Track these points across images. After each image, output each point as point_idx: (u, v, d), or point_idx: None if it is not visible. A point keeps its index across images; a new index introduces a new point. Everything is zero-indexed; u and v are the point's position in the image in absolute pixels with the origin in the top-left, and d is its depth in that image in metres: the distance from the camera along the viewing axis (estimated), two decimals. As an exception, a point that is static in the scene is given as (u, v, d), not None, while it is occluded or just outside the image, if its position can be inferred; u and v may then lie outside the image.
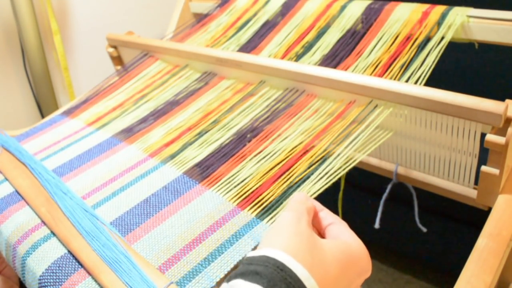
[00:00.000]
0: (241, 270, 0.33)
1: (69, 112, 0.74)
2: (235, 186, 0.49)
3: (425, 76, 0.56)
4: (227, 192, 0.49)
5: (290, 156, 0.51)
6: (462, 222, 1.06)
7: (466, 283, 0.40)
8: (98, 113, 0.71)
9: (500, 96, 0.47)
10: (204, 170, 0.53)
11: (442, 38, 0.60)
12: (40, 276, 0.43)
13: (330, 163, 0.48)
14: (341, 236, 0.38)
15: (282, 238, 0.35)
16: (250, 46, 0.75)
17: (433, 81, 0.55)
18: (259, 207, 0.46)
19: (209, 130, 0.59)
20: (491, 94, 0.47)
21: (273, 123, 0.57)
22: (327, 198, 0.47)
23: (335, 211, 0.49)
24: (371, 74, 0.59)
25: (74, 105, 0.76)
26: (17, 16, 1.12)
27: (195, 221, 0.46)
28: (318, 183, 0.47)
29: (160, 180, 0.53)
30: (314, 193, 0.46)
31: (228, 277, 0.34)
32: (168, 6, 1.47)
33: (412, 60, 0.58)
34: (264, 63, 0.62)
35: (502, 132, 0.45)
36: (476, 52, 0.63)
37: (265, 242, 0.35)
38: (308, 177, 0.48)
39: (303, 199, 0.40)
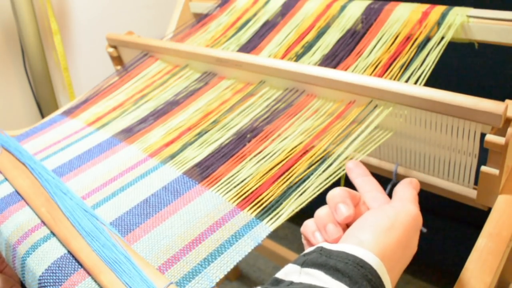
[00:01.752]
0: (319, 261, 0.32)
1: (69, 112, 0.74)
2: (235, 186, 0.49)
3: (425, 76, 0.55)
4: (227, 192, 0.49)
5: (290, 156, 0.51)
6: (462, 222, 1.06)
7: (466, 283, 0.40)
8: (98, 113, 0.71)
9: (500, 96, 0.47)
10: (204, 170, 0.53)
11: (442, 38, 0.60)
12: (40, 276, 0.43)
13: (330, 163, 0.48)
14: (387, 206, 0.37)
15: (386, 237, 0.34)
16: (250, 46, 0.75)
17: (433, 81, 0.55)
18: (259, 207, 0.46)
19: (209, 130, 0.59)
20: (491, 94, 0.47)
21: (273, 123, 0.57)
22: (327, 198, 0.47)
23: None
24: (371, 74, 0.59)
25: (74, 105, 0.76)
26: (17, 16, 1.12)
27: (195, 221, 0.46)
28: (318, 183, 0.47)
29: (160, 180, 0.53)
30: (314, 193, 0.46)
31: (300, 261, 0.33)
32: (168, 6, 1.47)
33: (412, 60, 0.58)
34: (264, 63, 0.62)
35: (502, 132, 0.45)
36: (476, 52, 0.63)
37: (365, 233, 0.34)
38: (308, 177, 0.48)
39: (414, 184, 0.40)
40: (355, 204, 0.38)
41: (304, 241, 0.40)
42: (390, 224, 0.34)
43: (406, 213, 0.36)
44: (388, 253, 0.33)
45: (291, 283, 0.31)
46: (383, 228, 0.34)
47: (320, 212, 0.38)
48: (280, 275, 0.33)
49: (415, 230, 0.36)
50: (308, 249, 0.36)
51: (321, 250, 0.34)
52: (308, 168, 0.49)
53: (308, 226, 0.38)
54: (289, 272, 0.33)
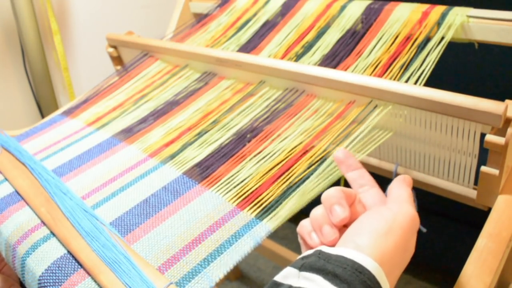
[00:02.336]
0: (318, 265, 0.32)
1: (69, 112, 0.74)
2: (234, 187, 0.49)
3: (425, 76, 0.55)
4: (227, 193, 0.49)
5: (289, 156, 0.51)
6: (462, 222, 1.06)
7: (466, 283, 0.40)
8: (98, 113, 0.71)
9: (500, 96, 0.47)
10: (204, 170, 0.53)
11: (442, 38, 0.60)
12: (40, 276, 0.43)
13: (330, 163, 0.48)
14: (383, 207, 0.37)
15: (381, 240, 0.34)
16: (250, 46, 0.75)
17: (433, 81, 0.55)
18: (258, 207, 0.46)
19: (209, 130, 0.59)
20: (491, 94, 0.47)
21: (273, 123, 0.57)
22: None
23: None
24: (371, 74, 0.59)
25: (74, 105, 0.76)
26: (17, 16, 1.12)
27: (195, 221, 0.46)
28: (317, 183, 0.47)
29: (159, 180, 0.53)
30: (314, 193, 0.46)
31: (299, 265, 0.33)
32: (168, 6, 1.47)
33: (412, 60, 0.58)
34: (264, 63, 0.62)
35: (501, 132, 0.45)
36: (476, 52, 0.63)
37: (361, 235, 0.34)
38: (308, 177, 0.48)
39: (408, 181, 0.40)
40: (351, 203, 0.38)
41: (300, 241, 0.40)
42: (388, 227, 0.34)
43: (403, 215, 0.36)
44: (387, 257, 0.33)
45: (290, 287, 0.31)
46: (381, 232, 0.34)
47: (316, 212, 0.37)
48: (278, 278, 0.33)
49: (413, 231, 0.36)
50: (306, 252, 0.35)
51: (319, 253, 0.34)
52: (308, 168, 0.49)
53: (304, 226, 0.38)
54: (288, 276, 0.33)
